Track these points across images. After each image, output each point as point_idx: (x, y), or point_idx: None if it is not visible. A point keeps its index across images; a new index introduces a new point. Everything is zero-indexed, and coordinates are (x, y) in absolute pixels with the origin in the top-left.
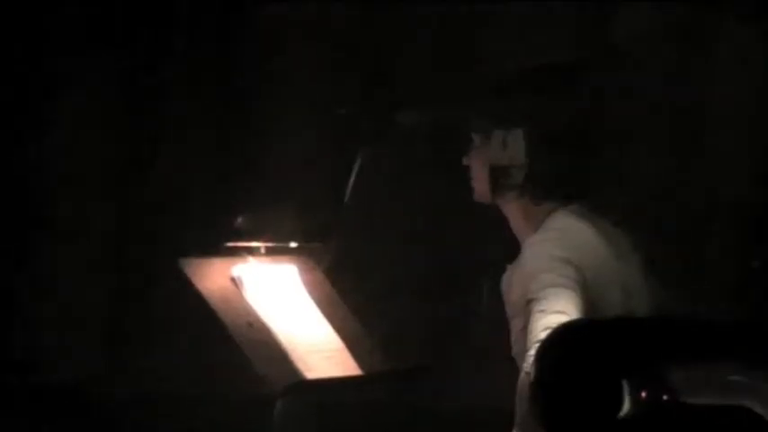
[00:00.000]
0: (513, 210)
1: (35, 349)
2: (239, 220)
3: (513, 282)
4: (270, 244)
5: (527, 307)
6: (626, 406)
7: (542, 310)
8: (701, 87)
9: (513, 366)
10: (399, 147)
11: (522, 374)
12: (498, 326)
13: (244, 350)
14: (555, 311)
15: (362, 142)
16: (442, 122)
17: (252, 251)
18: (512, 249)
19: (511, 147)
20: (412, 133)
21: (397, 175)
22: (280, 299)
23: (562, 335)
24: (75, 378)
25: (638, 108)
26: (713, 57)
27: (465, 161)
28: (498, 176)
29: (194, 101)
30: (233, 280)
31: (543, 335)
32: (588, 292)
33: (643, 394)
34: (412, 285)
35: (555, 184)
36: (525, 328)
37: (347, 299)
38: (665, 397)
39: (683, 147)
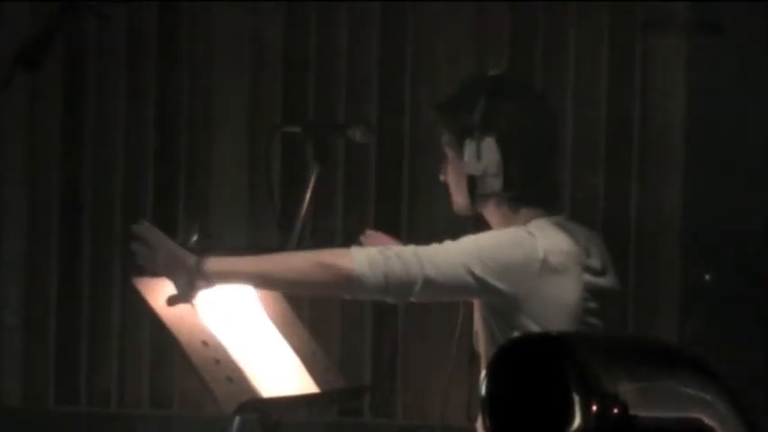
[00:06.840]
0: (494, 219)
1: None
2: (193, 238)
3: None
4: None
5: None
6: (577, 420)
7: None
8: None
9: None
10: (350, 161)
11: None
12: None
13: (198, 369)
14: (450, 250)
15: (315, 158)
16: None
17: None
18: None
19: (485, 155)
20: (363, 148)
21: (353, 190)
22: (235, 317)
23: (512, 349)
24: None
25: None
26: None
27: (442, 178)
28: (476, 186)
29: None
30: None
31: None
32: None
33: (594, 408)
34: (367, 302)
35: (530, 190)
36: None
37: (303, 316)
38: (615, 410)
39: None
